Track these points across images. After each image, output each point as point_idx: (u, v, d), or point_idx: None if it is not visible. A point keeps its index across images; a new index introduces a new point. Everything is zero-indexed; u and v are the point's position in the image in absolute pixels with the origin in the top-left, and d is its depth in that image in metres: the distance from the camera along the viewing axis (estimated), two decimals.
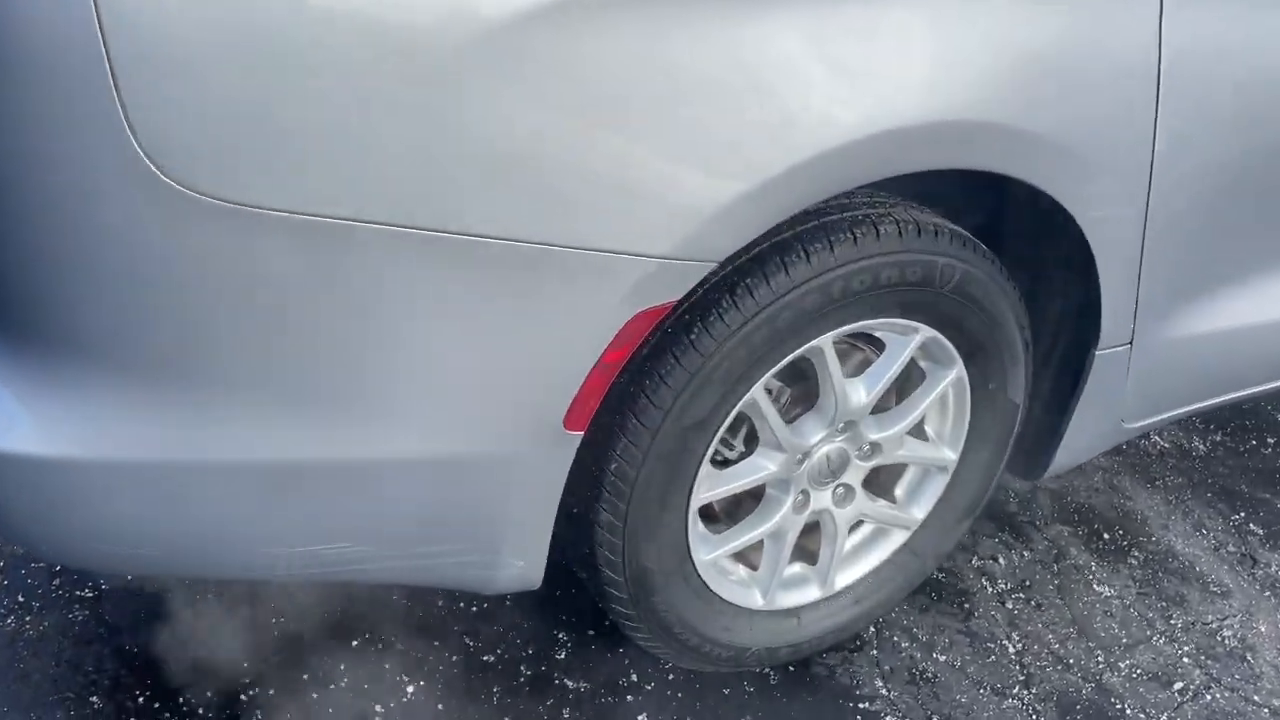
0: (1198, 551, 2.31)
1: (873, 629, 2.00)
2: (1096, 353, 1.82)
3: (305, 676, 1.77)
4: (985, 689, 1.92)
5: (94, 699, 1.70)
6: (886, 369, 1.66)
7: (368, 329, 1.25)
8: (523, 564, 1.52)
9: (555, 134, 1.21)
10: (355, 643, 1.84)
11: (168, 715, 1.69)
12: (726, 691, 1.85)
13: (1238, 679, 2.01)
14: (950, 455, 1.83)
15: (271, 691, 1.74)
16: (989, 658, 1.98)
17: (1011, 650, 2.00)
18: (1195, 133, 1.64)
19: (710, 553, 1.68)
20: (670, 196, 1.29)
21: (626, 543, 1.56)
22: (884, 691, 1.89)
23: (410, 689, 1.78)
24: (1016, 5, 1.41)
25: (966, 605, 2.08)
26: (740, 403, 1.54)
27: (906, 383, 1.77)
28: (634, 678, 1.84)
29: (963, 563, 2.18)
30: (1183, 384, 2.04)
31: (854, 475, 1.76)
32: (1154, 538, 2.33)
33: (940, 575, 2.14)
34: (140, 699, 1.71)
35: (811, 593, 1.84)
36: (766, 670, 1.89)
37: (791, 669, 1.90)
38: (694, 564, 1.66)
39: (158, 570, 1.55)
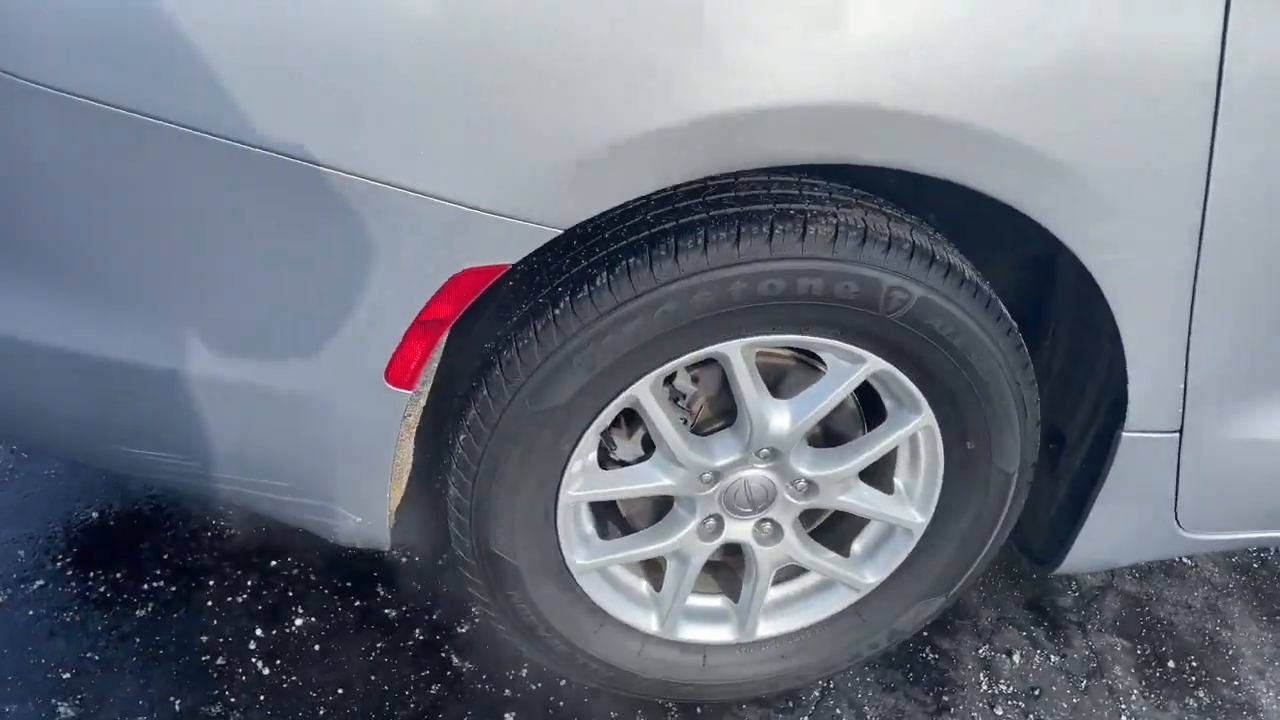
0: None
1: (817, 692, 1.74)
2: (1124, 434, 1.46)
3: (211, 583, 1.77)
4: None
5: (20, 552, 1.78)
6: (820, 397, 1.40)
7: (157, 233, 1.18)
8: (360, 520, 1.42)
9: (378, 59, 1.09)
10: (275, 563, 1.82)
11: (72, 585, 1.74)
12: (614, 715, 1.67)
13: None
14: (917, 518, 1.54)
15: (173, 588, 1.76)
16: None
17: None
18: (1273, 166, 1.25)
19: (591, 557, 1.50)
20: (502, 146, 1.13)
21: (474, 524, 1.42)
22: None
23: (299, 621, 1.73)
24: None
25: (945, 697, 1.77)
26: (618, 398, 1.35)
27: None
28: (523, 673, 1.70)
29: (966, 646, 1.85)
30: (1268, 498, 1.61)
31: (784, 513, 1.51)
32: (1237, 682, 1.88)
33: (931, 655, 1.83)
34: (56, 563, 1.77)
35: (724, 633, 1.61)
36: (668, 705, 1.68)
37: (699, 710, 1.69)
38: (567, 566, 1.49)
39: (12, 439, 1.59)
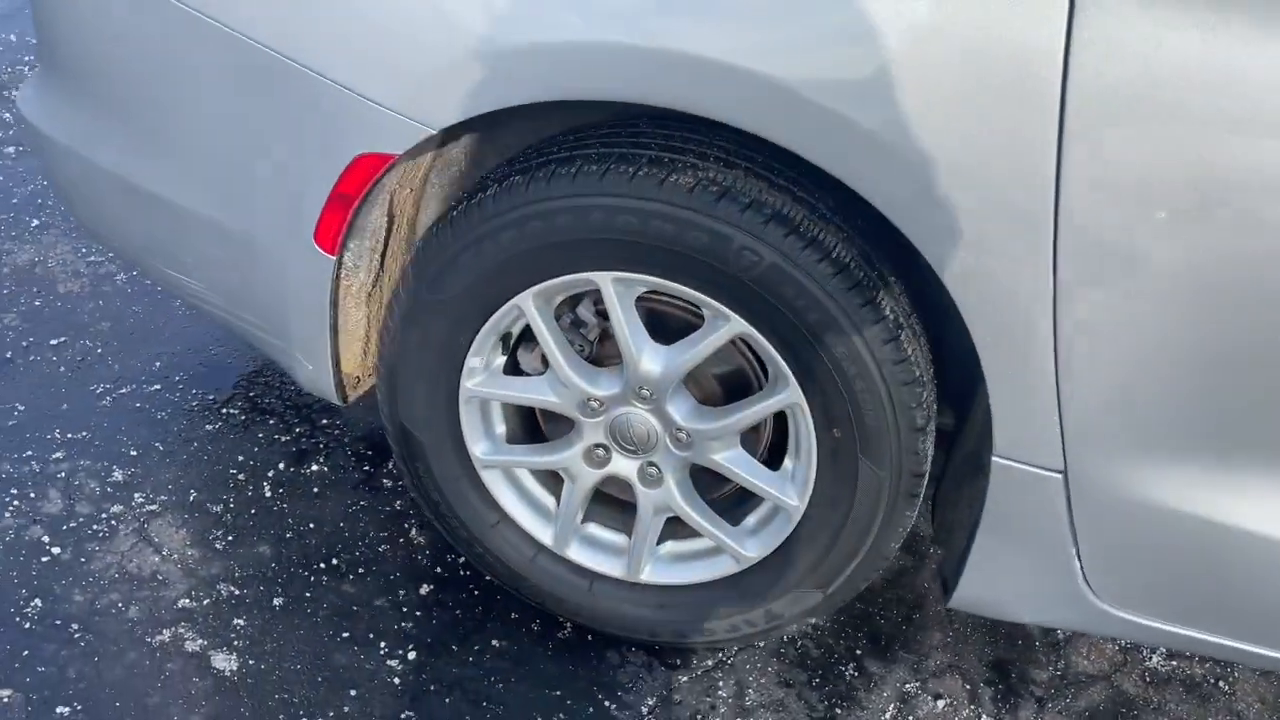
0: None
1: (711, 661, 1.76)
2: (994, 459, 1.39)
3: (270, 422, 2.13)
4: None
5: (156, 363, 2.24)
6: (691, 348, 1.47)
7: (151, 81, 1.53)
8: (311, 368, 1.68)
9: None
10: (325, 421, 2.15)
11: (176, 394, 2.16)
12: (514, 616, 1.80)
13: None
14: (793, 500, 1.54)
15: (242, 417, 2.13)
16: None
17: None
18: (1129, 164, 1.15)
19: (492, 454, 1.66)
20: (388, 45, 1.35)
21: (388, 390, 1.63)
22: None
23: (314, 468, 2.04)
24: None
25: (837, 710, 1.71)
26: (505, 305, 1.50)
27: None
28: (460, 560, 1.88)
29: (895, 677, 1.77)
30: (1179, 584, 1.41)
31: (666, 460, 1.58)
32: None
33: (852, 670, 1.77)
34: (175, 378, 2.21)
35: (612, 567, 1.70)
36: (564, 623, 1.79)
37: (590, 638, 1.78)
38: (469, 456, 1.66)
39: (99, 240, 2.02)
